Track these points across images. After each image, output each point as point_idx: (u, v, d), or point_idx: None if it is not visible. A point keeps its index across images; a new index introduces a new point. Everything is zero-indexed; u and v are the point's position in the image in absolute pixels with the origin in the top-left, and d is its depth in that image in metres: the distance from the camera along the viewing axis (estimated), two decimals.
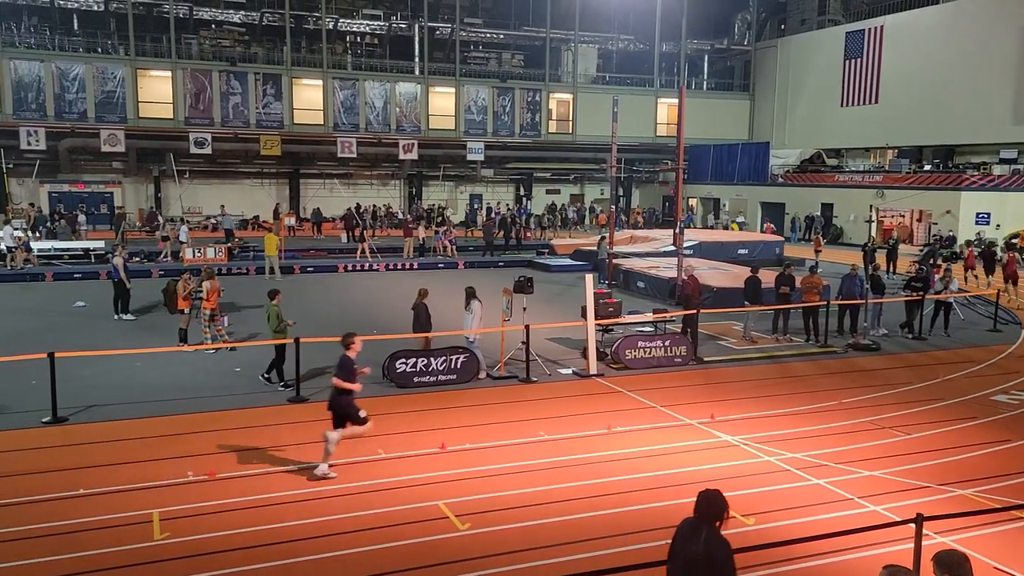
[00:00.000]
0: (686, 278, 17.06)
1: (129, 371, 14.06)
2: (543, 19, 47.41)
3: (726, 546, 4.82)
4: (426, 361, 13.57)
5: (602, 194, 50.53)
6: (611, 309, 15.61)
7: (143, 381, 13.56)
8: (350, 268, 28.93)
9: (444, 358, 13.67)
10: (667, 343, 15.22)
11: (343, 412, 9.50)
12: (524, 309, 14.69)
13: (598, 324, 15.01)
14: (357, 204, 41.13)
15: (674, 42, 50.52)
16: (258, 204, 42.98)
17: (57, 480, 9.17)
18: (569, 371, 14.58)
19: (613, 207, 28.97)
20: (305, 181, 45.10)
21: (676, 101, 36.00)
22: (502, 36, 49.61)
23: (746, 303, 17.36)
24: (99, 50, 40.57)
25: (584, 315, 14.80)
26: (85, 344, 15.26)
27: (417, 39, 46.01)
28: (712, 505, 4.90)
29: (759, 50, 52.28)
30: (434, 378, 13.55)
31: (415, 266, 29.91)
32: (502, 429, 11.31)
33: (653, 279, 23.30)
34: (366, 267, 29.17)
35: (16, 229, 27.82)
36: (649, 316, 16.82)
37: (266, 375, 13.45)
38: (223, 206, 37.18)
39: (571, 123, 48.67)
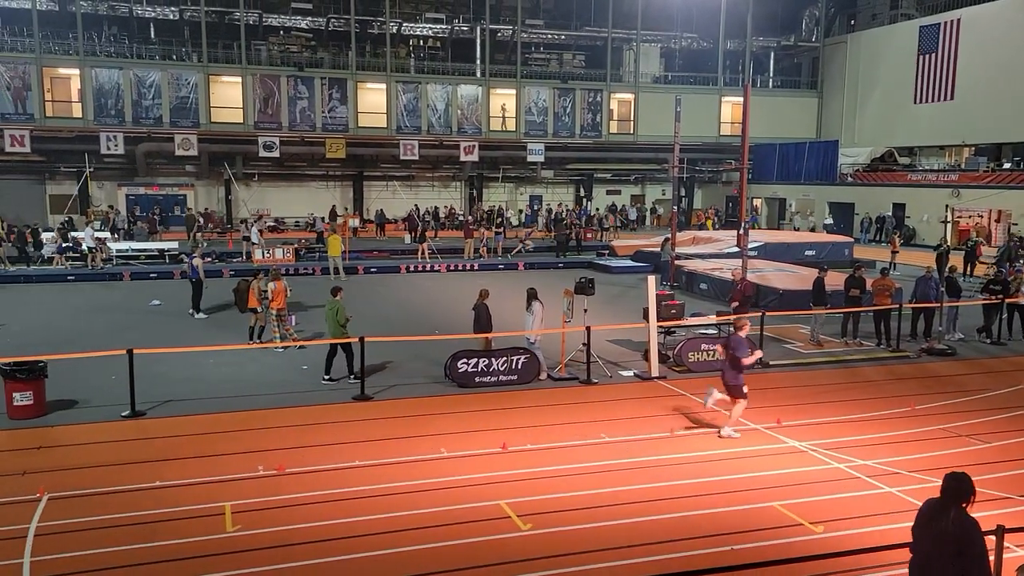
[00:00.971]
0: (738, 281, 16.76)
1: (202, 367, 14.52)
2: (605, 19, 47.17)
3: (976, 525, 4.95)
4: (487, 361, 13.65)
5: (664, 195, 50.01)
6: (673, 311, 15.46)
7: (215, 377, 13.99)
8: (412, 269, 29.28)
9: (505, 359, 13.73)
10: None
11: (733, 383, 10.89)
12: (585, 310, 14.65)
13: (660, 326, 14.88)
14: (415, 206, 41.65)
15: (739, 40, 49.68)
16: (323, 206, 43.72)
17: (136, 472, 9.54)
18: (630, 373, 14.49)
19: (675, 208, 28.66)
20: (368, 183, 45.83)
21: (740, 100, 35.35)
22: (563, 37, 49.54)
23: (812, 305, 16.98)
24: (174, 57, 41.98)
25: (646, 317, 14.69)
26: (161, 341, 15.83)
27: (479, 41, 46.29)
28: (960, 486, 5.04)
29: (828, 46, 51.02)
30: (495, 378, 13.62)
31: (476, 267, 30.10)
32: (563, 430, 11.31)
33: (716, 281, 22.97)
34: (428, 268, 29.50)
35: (97, 231, 28.96)
36: (712, 319, 16.60)
37: (327, 376, 13.71)
38: (326, 215, 38.35)
39: (632, 123, 48.31)
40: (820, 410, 12.29)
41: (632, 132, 48.25)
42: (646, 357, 14.67)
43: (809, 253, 29.88)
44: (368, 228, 40.99)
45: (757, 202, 47.96)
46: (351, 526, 8.17)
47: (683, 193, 48.59)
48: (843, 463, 10.01)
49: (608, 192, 50.07)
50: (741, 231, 21.02)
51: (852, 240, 34.09)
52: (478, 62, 46.37)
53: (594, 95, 47.33)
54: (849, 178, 45.28)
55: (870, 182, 43.81)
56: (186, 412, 11.99)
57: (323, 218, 39.66)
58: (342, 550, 7.66)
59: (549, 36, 49.49)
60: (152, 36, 43.36)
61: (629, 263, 30.05)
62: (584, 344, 14.04)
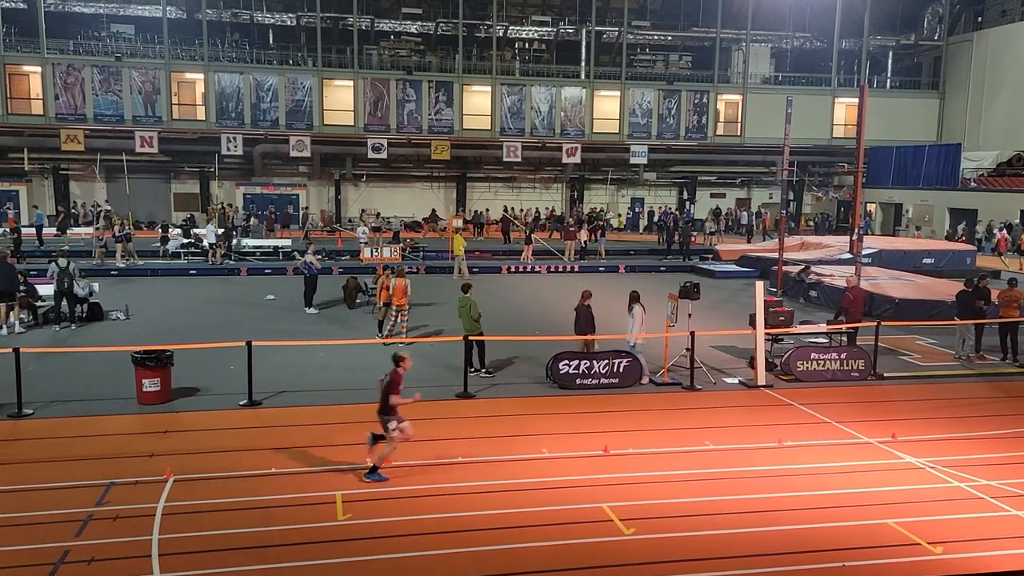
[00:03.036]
0: (848, 288, 16.12)
1: (314, 360, 15.08)
2: (713, 19, 46.25)
3: None
4: (588, 364, 13.63)
5: (771, 198, 48.61)
6: (782, 318, 15.04)
7: (326, 370, 14.50)
8: (512, 270, 29.57)
9: (606, 361, 13.68)
10: (843, 356, 14.45)
11: None
12: (689, 315, 14.44)
13: (768, 333, 14.50)
14: (505, 207, 42.04)
15: (855, 39, 47.75)
16: (427, 206, 44.82)
17: (253, 458, 10.01)
18: (735, 380, 14.19)
19: (783, 212, 27.81)
20: (471, 184, 46.51)
21: (855, 101, 33.95)
22: (670, 38, 48.86)
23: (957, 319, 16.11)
24: (290, 62, 43.71)
25: (752, 323, 14.35)
26: (276, 334, 16.54)
27: (584, 43, 46.22)
28: None
29: (952, 45, 48.35)
30: (596, 381, 13.59)
31: (576, 269, 30.11)
32: (666, 436, 11.19)
33: (827, 288, 22.16)
34: (527, 269, 29.75)
35: (219, 228, 30.50)
36: (822, 327, 16.04)
37: (482, 369, 14.12)
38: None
39: (740, 125, 47.13)
40: (939, 426, 11.70)
41: (739, 134, 47.09)
42: (752, 364, 14.33)
43: (927, 261, 28.41)
44: (469, 228, 41.58)
45: (871, 207, 45.96)
46: (454, 521, 8.34)
47: (791, 197, 47.12)
48: (964, 482, 9.50)
49: (712, 195, 49.07)
50: (855, 237, 20.25)
51: (974, 248, 32.22)
52: (583, 64, 46.31)
53: (700, 96, 46.47)
54: (972, 183, 42.80)
55: (996, 188, 41.26)
56: (299, 403, 12.49)
57: (413, 221, 40.41)
58: (446, 544, 7.83)
59: (655, 37, 48.87)
60: (271, 42, 45.29)
61: (734, 268, 29.37)
62: (687, 349, 13.85)
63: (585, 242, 32.33)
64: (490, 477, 9.51)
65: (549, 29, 47.44)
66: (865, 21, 46.14)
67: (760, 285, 14.55)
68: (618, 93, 45.67)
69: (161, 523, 8.18)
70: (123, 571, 7.25)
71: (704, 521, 8.38)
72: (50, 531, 7.97)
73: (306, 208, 42.69)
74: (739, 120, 47.13)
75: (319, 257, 22.42)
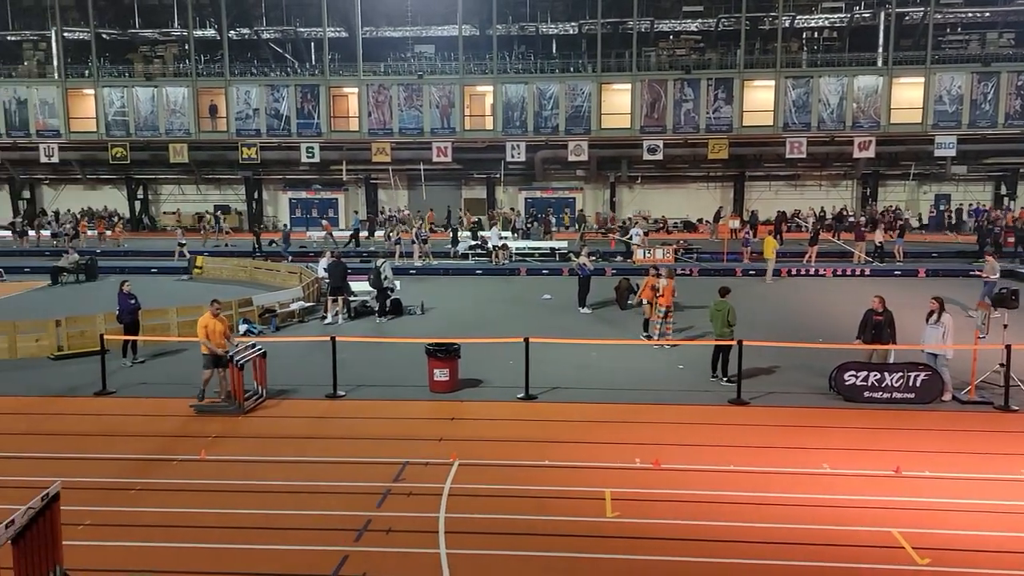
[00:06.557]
0: None
1: (586, 359, 15.47)
2: None
3: None
4: (879, 376, 12.53)
5: None
6: None
7: (598, 369, 14.80)
8: (794, 272, 28.06)
9: (901, 374, 12.48)
10: None
11: None
12: (1005, 326, 12.70)
13: None
14: (782, 211, 39.90)
15: None
16: (702, 207, 43.86)
17: (528, 450, 10.52)
18: None
19: None
20: (750, 183, 44.77)
21: None
22: (988, 14, 43.19)
23: None
24: (571, 69, 45.16)
25: None
26: (550, 331, 17.17)
27: (882, 27, 42.44)
28: None
29: None
30: (888, 395, 12.46)
31: (867, 272, 27.79)
32: (971, 460, 9.96)
33: None
34: (810, 272, 28.09)
35: (503, 230, 32.45)
36: None
37: (715, 375, 13.83)
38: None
39: None
40: None
41: None
42: None
43: None
44: (744, 229, 40.07)
45: None
46: (726, 530, 8.10)
47: None
48: None
49: None
50: None
51: None
52: (880, 50, 42.53)
53: None
54: None
55: None
56: (572, 399, 12.88)
57: (701, 219, 39.43)
58: (716, 553, 7.64)
59: (969, 15, 43.53)
60: (553, 51, 47.15)
61: None
62: (1002, 364, 12.19)
63: (880, 243, 29.67)
64: (764, 488, 9.11)
65: (842, 15, 44.23)
66: None
67: None
68: (922, 79, 41.28)
69: (447, 503, 8.88)
70: (415, 544, 7.97)
71: (1013, 560, 7.33)
72: (357, 500, 9.00)
73: (581, 210, 43.86)
74: None
75: (592, 259, 22.91)
